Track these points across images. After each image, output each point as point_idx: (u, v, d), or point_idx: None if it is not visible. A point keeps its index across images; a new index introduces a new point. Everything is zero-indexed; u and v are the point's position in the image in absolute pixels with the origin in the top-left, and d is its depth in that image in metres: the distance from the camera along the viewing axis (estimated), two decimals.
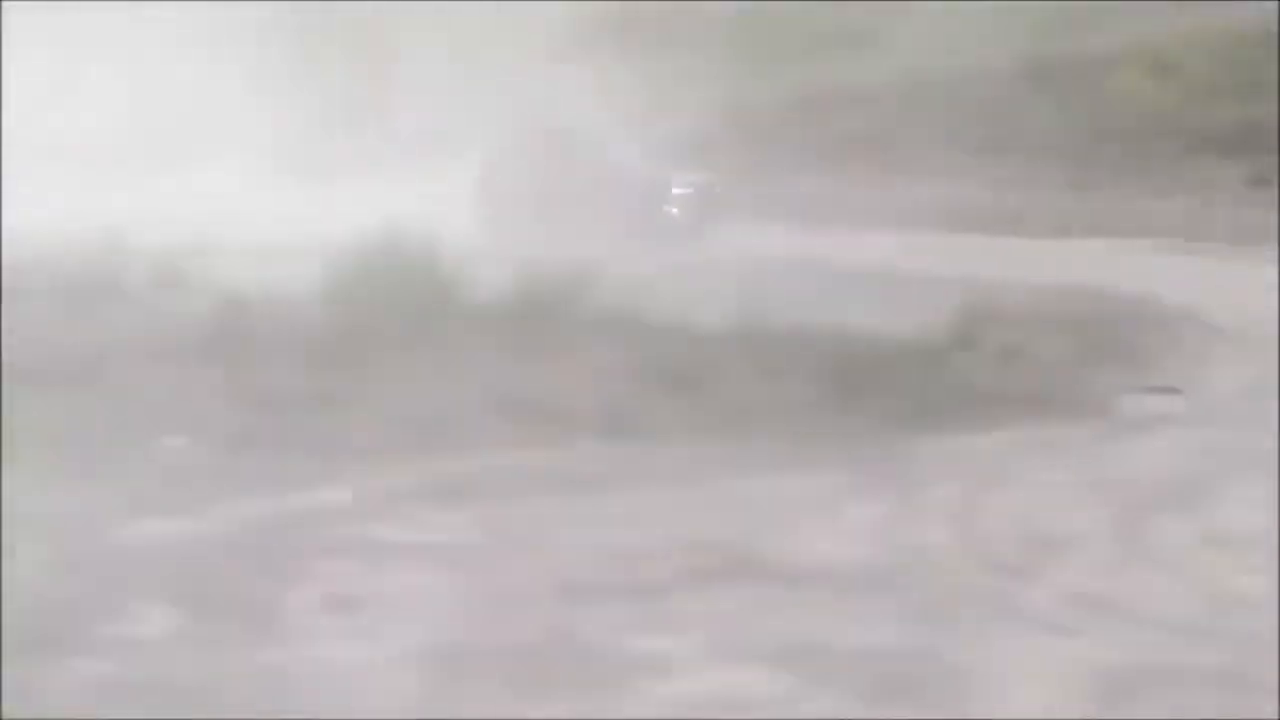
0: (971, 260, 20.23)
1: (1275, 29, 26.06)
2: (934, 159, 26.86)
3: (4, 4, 28.40)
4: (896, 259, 20.63)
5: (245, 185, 23.23)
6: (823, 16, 36.46)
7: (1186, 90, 26.44)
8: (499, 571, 7.63)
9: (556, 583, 7.43)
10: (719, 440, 10.56)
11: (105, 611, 6.59)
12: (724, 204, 24.65)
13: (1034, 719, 5.74)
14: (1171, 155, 25.29)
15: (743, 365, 11.61)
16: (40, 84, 26.35)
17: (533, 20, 26.79)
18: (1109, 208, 24.02)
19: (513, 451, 9.98)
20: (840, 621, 7.16)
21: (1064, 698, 6.29)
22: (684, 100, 28.73)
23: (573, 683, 6.23)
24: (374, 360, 10.83)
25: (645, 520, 8.65)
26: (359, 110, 28.35)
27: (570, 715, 5.85)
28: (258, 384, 10.71)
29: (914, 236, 23.07)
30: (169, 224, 16.12)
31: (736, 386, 11.30)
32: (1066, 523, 8.92)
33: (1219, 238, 22.11)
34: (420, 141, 25.61)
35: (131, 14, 26.23)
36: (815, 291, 16.54)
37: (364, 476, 9.25)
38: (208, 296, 12.54)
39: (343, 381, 10.71)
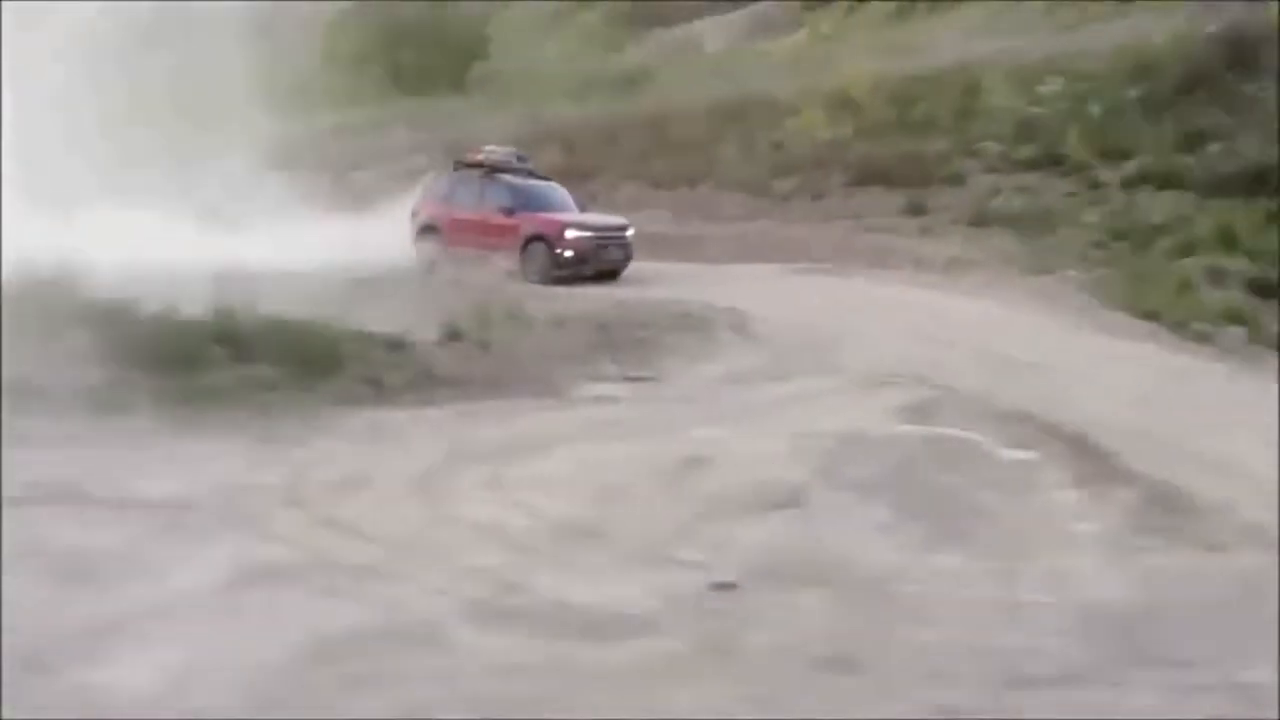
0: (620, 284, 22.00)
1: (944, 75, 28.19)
2: (628, 191, 28.56)
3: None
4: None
5: None
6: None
7: (860, 128, 28.32)
8: None
9: None
10: (182, 414, 12.00)
11: None
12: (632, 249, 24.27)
13: None
14: (840, 186, 27.09)
15: (223, 352, 13.12)
16: None
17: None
18: (778, 234, 25.71)
19: None
20: (106, 533, 8.77)
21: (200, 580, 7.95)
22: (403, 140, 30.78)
23: None
24: None
25: (33, 470, 10.07)
26: None
27: None
28: None
29: None
30: None
31: (213, 369, 12.80)
32: (389, 473, 10.53)
33: (860, 261, 23.82)
34: None
35: None
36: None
37: None
38: None
39: None
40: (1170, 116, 26.41)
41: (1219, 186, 24.45)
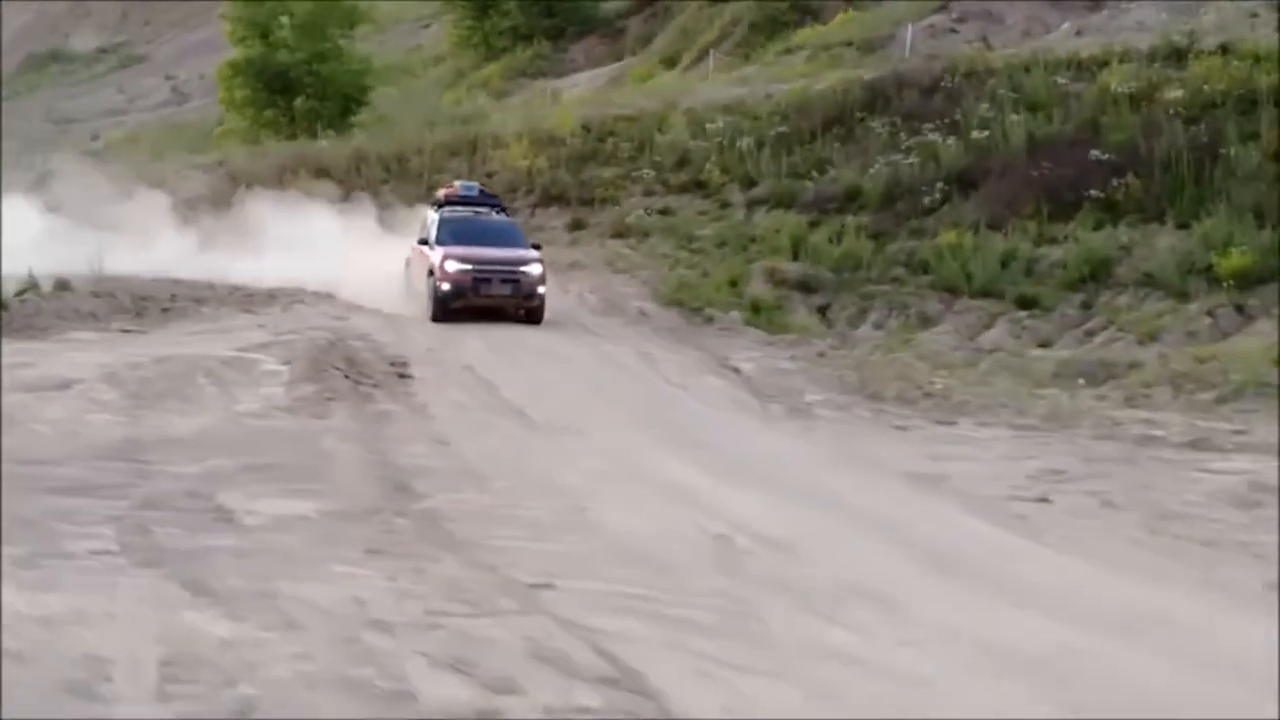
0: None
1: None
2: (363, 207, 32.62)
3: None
4: None
5: None
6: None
7: (556, 159, 32.62)
8: None
9: None
10: None
11: None
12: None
13: None
14: (528, 206, 31.37)
15: None
16: None
17: None
18: None
19: None
20: None
21: None
22: None
23: None
24: None
25: None
26: None
27: None
28: None
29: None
30: None
31: None
32: None
33: None
34: None
35: None
36: None
37: None
38: None
39: None
40: (802, 149, 30.45)
41: (818, 205, 28.54)
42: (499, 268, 22.00)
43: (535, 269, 22.04)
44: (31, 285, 19.99)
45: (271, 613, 7.51)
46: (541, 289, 21.90)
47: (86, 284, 21.17)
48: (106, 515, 9.65)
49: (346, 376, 15.79)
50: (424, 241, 22.74)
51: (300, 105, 49.87)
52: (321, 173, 34.41)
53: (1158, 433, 16.09)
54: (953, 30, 41.10)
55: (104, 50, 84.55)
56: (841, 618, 8.50)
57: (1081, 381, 19.47)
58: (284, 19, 49.01)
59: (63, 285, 20.53)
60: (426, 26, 73.57)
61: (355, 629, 7.33)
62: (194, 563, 8.52)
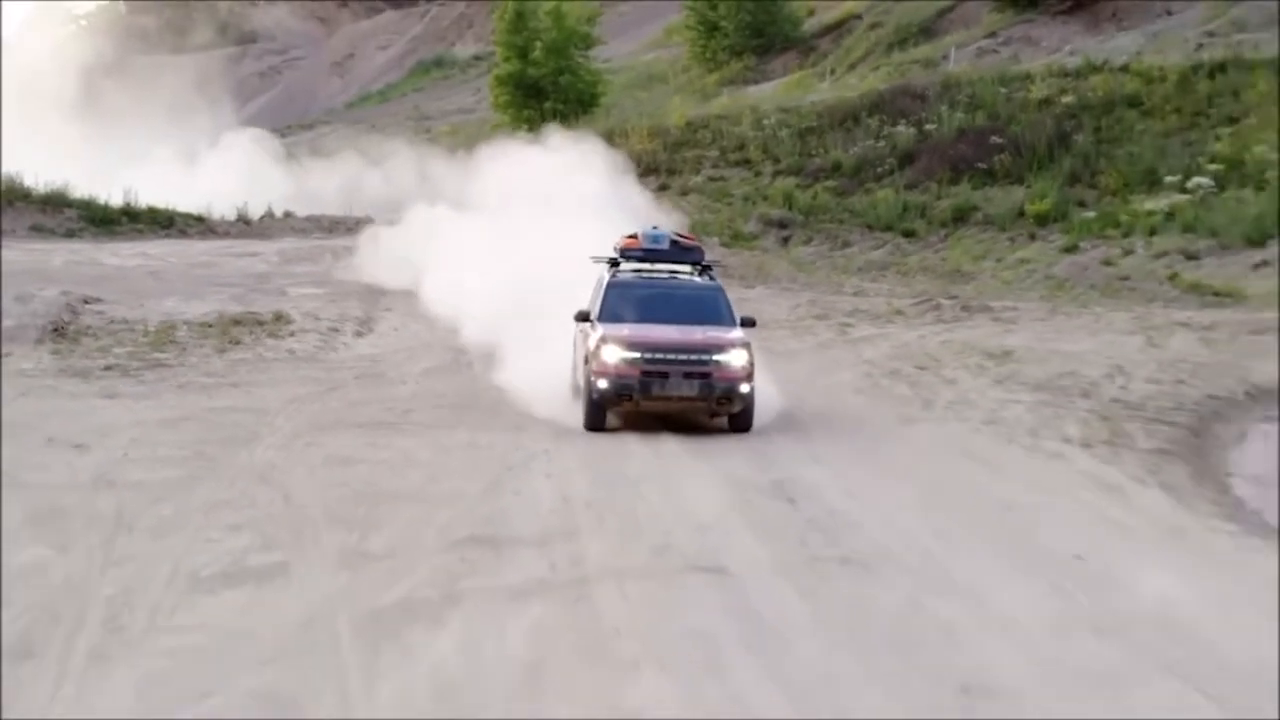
0: None
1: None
2: None
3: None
4: None
5: None
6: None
7: (664, 143, 42.96)
8: None
9: None
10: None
11: None
12: None
13: None
14: (636, 177, 41.77)
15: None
16: None
17: None
18: None
19: None
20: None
21: None
22: None
23: None
24: None
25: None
26: None
27: None
28: None
29: None
30: None
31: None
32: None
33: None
34: None
35: None
36: None
37: None
38: None
39: None
40: (818, 137, 40.12)
41: (813, 174, 38.30)
42: (681, 356, 14.54)
43: (736, 357, 14.51)
44: (268, 213, 31.63)
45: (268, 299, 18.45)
46: (745, 386, 14.44)
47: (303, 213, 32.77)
48: (249, 289, 21.01)
49: None
50: (584, 316, 15.43)
51: (548, 108, 61.07)
52: None
53: (847, 290, 25.88)
54: (995, 51, 49.52)
55: (478, 57, 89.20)
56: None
57: (875, 272, 29.06)
58: (537, 42, 60.39)
59: (288, 214, 32.14)
60: None
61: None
62: (243, 302, 19.63)
